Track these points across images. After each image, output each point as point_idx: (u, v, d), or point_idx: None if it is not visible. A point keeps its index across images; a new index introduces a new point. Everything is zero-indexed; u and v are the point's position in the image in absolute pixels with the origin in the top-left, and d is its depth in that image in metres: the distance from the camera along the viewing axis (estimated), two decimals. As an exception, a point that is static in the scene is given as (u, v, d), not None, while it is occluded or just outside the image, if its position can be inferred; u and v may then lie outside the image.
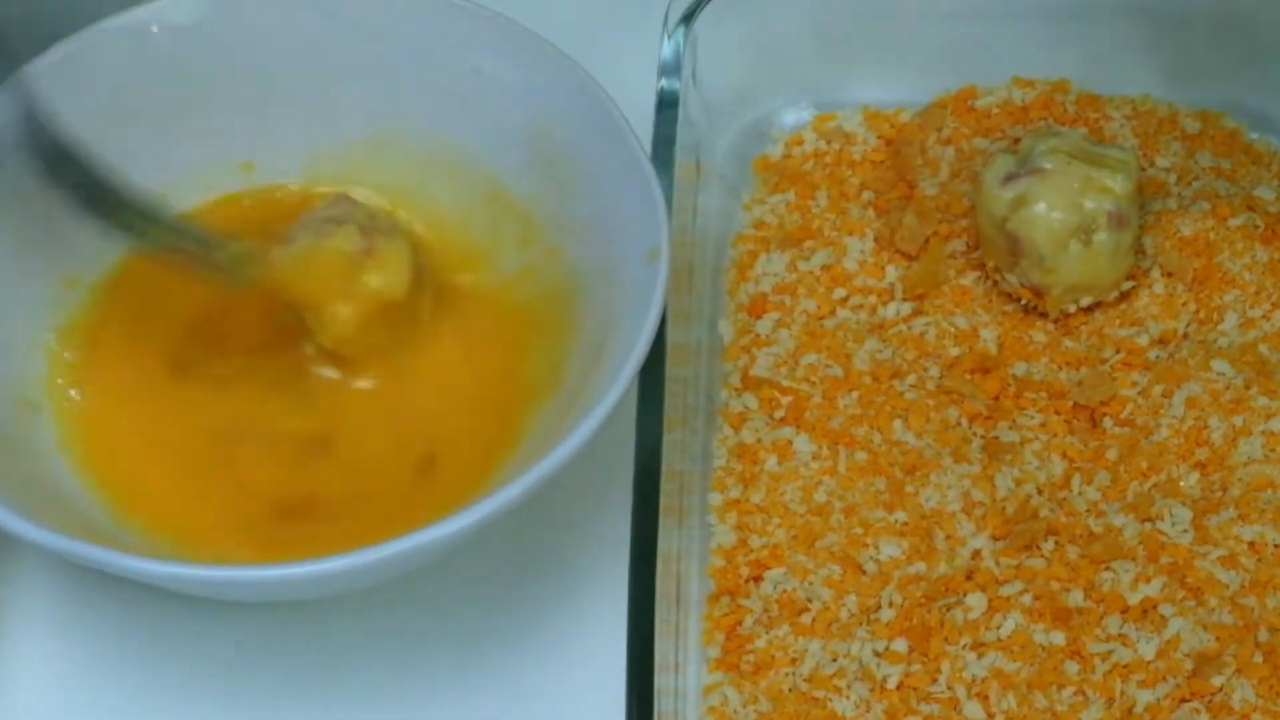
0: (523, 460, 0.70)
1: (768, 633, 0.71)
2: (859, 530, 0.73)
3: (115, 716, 0.72)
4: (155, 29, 0.77)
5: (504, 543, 0.74)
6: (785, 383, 0.77)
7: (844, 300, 0.79)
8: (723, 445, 0.75)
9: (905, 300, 0.79)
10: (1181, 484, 0.74)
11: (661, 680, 0.66)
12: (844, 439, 0.75)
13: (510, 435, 0.73)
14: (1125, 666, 0.70)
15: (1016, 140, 0.81)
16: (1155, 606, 0.71)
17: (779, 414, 0.76)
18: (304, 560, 0.65)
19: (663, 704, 0.66)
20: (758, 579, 0.72)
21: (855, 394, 0.76)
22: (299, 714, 0.72)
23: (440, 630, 0.73)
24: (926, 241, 0.80)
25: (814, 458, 0.75)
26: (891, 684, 0.70)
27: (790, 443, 0.75)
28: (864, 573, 0.72)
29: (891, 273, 0.80)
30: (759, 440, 0.75)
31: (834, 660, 0.70)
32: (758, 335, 0.78)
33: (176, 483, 0.73)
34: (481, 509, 0.65)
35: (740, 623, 0.71)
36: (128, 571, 0.65)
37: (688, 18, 0.81)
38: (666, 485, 0.70)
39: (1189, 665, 0.70)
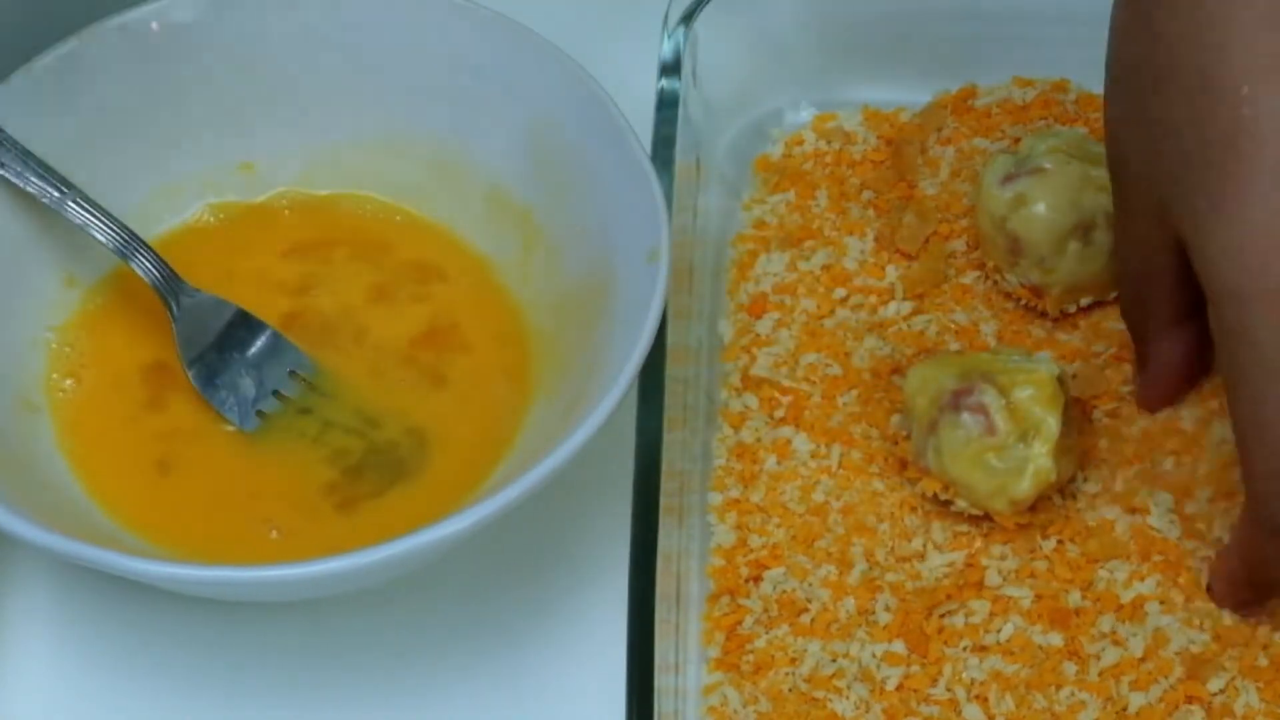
0: (523, 460, 0.70)
1: (767, 633, 0.71)
2: (856, 530, 0.73)
3: (115, 716, 0.72)
4: (155, 28, 0.77)
5: (504, 543, 0.74)
6: (786, 382, 0.77)
7: (844, 300, 0.79)
8: (722, 444, 0.75)
9: (905, 300, 0.79)
10: (1160, 469, 0.74)
11: (661, 680, 0.66)
12: (842, 437, 0.75)
13: (510, 435, 0.73)
14: (1116, 666, 0.70)
15: (1016, 140, 0.81)
16: (1143, 604, 0.71)
17: (779, 414, 0.76)
18: (303, 561, 0.65)
19: (663, 704, 0.66)
20: (757, 579, 0.72)
21: (854, 392, 0.76)
22: (299, 714, 0.72)
23: (440, 630, 0.73)
24: (926, 241, 0.80)
25: (812, 456, 0.75)
26: (891, 685, 0.70)
27: (789, 442, 0.75)
28: (862, 573, 0.72)
29: (891, 272, 0.80)
30: (759, 440, 0.75)
31: (833, 661, 0.70)
32: (757, 335, 0.78)
33: (173, 483, 0.73)
34: (481, 509, 0.65)
35: (740, 623, 0.71)
36: (127, 572, 0.65)
37: (688, 18, 0.81)
38: (667, 485, 0.70)
39: (1180, 666, 0.70)
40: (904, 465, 0.74)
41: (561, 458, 0.66)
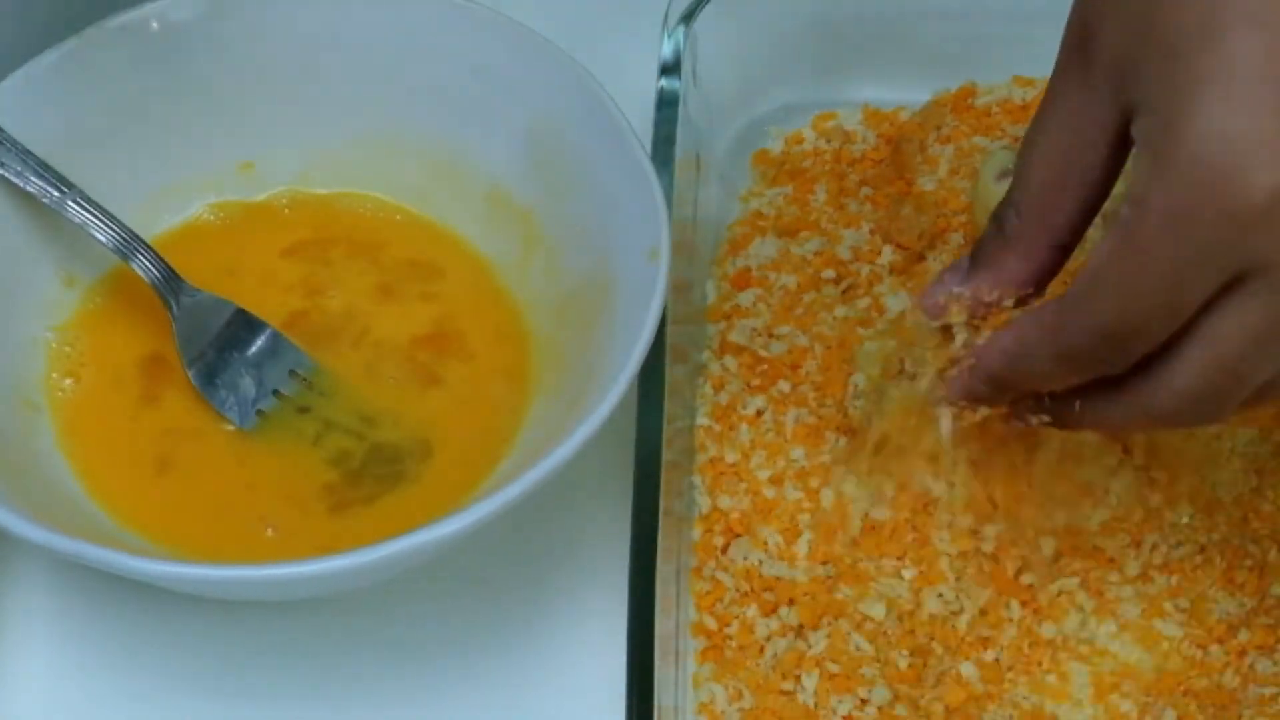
0: (523, 460, 0.70)
1: (741, 610, 0.71)
2: (809, 497, 0.73)
3: (115, 716, 0.72)
4: (155, 28, 0.77)
5: (504, 542, 0.74)
6: (762, 353, 0.77)
7: (833, 280, 0.79)
8: (704, 403, 0.76)
9: (891, 275, 0.79)
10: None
11: (662, 678, 0.66)
12: (804, 405, 0.75)
13: (510, 435, 0.73)
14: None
15: (1016, 139, 0.81)
16: None
17: (754, 382, 0.76)
18: (303, 560, 0.65)
19: (663, 698, 0.66)
20: (725, 549, 0.72)
21: (817, 362, 0.76)
22: (299, 714, 0.72)
23: (440, 629, 0.73)
24: (922, 234, 0.80)
25: (775, 429, 0.75)
26: (817, 653, 0.70)
27: (760, 412, 0.75)
28: (809, 541, 0.72)
29: (887, 253, 0.80)
30: (734, 406, 0.75)
31: (784, 638, 0.70)
32: (738, 305, 0.78)
33: (173, 482, 0.73)
34: (481, 509, 0.65)
35: (720, 599, 0.71)
36: (127, 571, 0.65)
37: (688, 17, 0.82)
38: (668, 482, 0.70)
39: None
40: (853, 433, 0.74)
41: (561, 458, 0.66)
